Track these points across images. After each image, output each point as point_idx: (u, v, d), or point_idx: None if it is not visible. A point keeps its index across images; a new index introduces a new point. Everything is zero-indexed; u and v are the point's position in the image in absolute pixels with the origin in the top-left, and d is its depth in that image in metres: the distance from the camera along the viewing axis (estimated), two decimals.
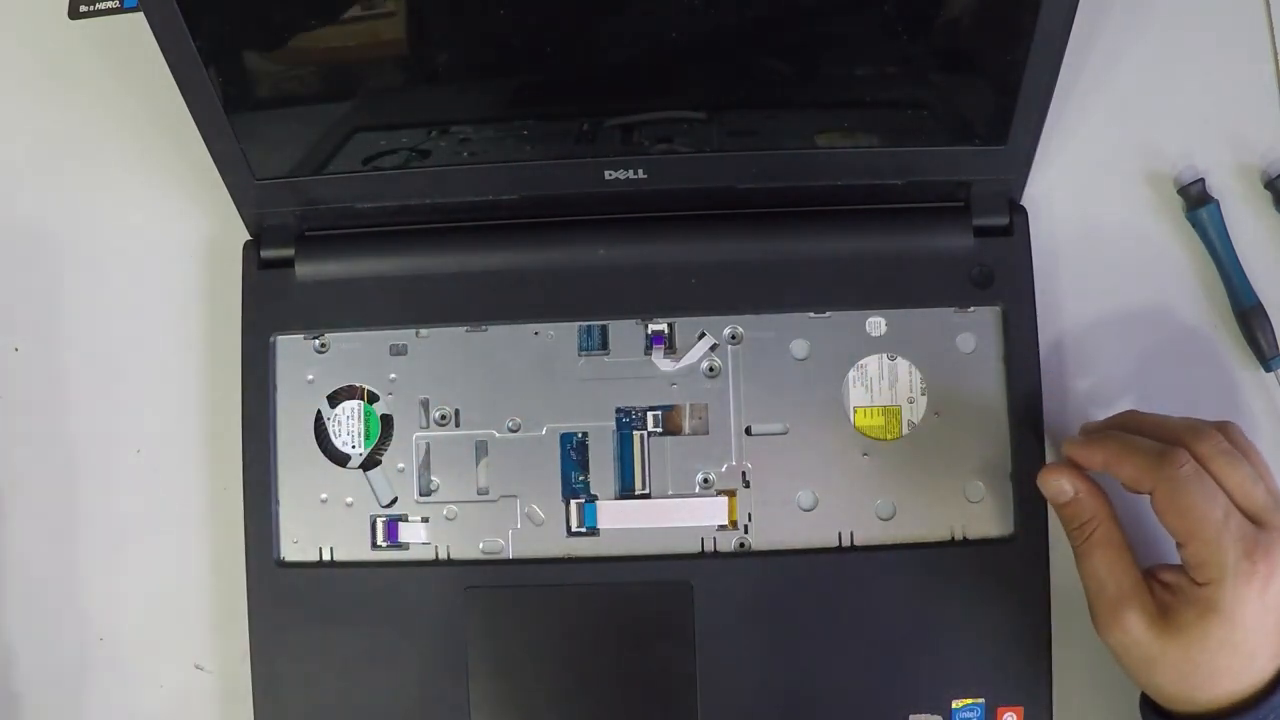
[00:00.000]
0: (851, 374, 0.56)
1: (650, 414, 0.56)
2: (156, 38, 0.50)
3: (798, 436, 0.56)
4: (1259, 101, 0.59)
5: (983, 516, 0.55)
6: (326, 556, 0.56)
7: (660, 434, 0.56)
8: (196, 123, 0.52)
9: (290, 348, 0.57)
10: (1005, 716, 0.55)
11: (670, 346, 0.56)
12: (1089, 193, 0.59)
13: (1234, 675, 0.48)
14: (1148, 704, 0.51)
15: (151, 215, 0.60)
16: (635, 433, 0.56)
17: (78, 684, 0.58)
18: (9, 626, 0.58)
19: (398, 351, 0.57)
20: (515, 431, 0.56)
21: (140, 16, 0.50)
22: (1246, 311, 0.56)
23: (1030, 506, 0.55)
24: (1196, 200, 0.57)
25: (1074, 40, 0.58)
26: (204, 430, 0.59)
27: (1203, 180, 0.57)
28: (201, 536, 0.58)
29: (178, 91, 0.52)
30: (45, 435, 0.59)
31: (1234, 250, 0.57)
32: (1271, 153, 0.58)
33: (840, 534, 0.55)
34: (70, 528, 0.59)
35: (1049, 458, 0.55)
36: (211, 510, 0.58)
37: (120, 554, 0.59)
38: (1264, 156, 0.58)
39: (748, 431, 0.56)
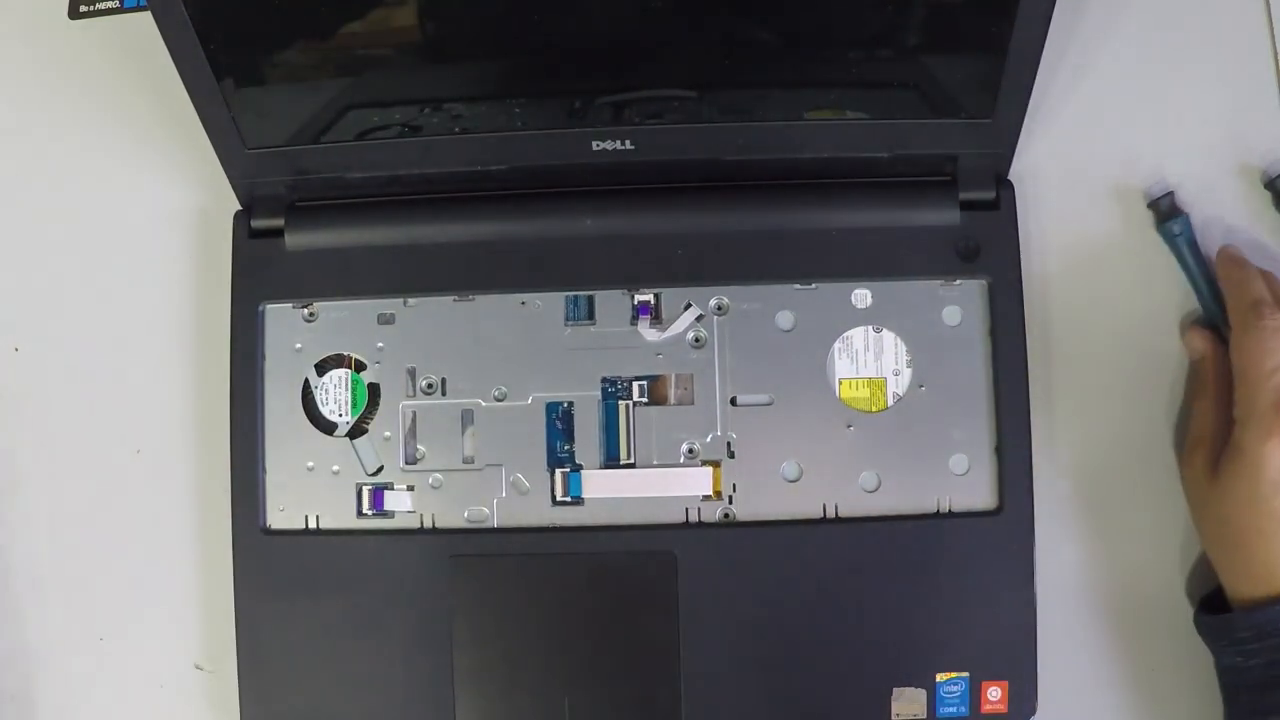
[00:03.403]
0: (837, 346, 0.56)
1: (636, 384, 0.56)
2: (150, 6, 0.50)
3: (783, 408, 0.56)
4: (1259, 101, 0.59)
5: (968, 489, 0.55)
6: (312, 524, 0.56)
7: (646, 404, 0.56)
8: (189, 91, 0.53)
9: (279, 316, 0.57)
10: (990, 691, 0.54)
11: (656, 317, 0.56)
12: (1088, 191, 0.59)
13: (1264, 537, 0.50)
14: (1202, 608, 0.54)
15: (144, 187, 0.61)
16: (621, 402, 0.56)
17: (78, 684, 0.58)
18: (10, 627, 0.58)
19: (385, 320, 0.57)
20: (501, 400, 0.56)
21: (140, 16, 0.50)
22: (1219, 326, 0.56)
23: (1015, 480, 0.55)
24: (1166, 214, 0.57)
25: (1075, 40, 0.58)
26: (194, 402, 0.59)
27: (1172, 194, 0.57)
28: (200, 534, 0.58)
29: (174, 78, 0.52)
30: (42, 420, 0.60)
31: (1205, 264, 0.56)
32: (1271, 153, 0.58)
33: (825, 505, 0.55)
34: (70, 525, 0.59)
35: (1035, 431, 0.55)
36: (210, 500, 0.58)
37: (120, 553, 0.59)
38: (1264, 156, 0.58)
39: (733, 402, 0.56)
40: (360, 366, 0.57)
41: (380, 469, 0.56)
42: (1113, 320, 0.58)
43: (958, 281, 0.56)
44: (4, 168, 0.62)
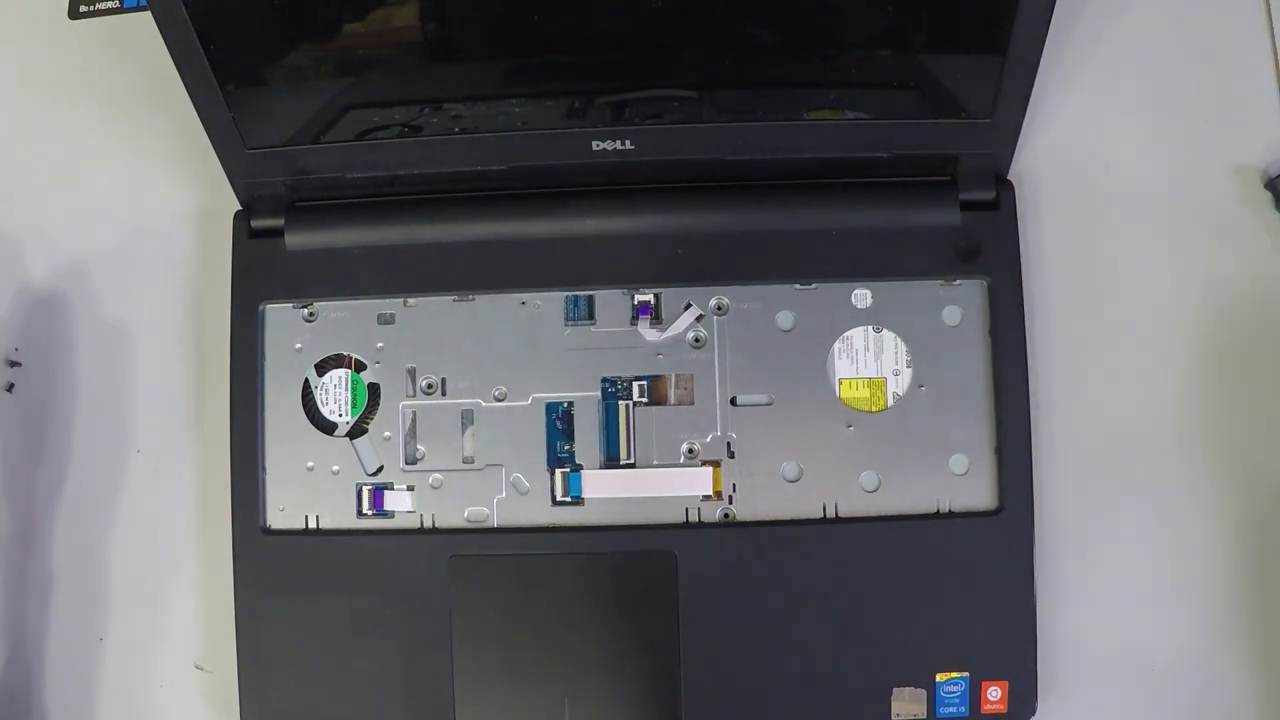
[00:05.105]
0: (837, 346, 0.56)
1: (636, 384, 0.56)
2: (150, 6, 0.50)
3: (783, 408, 0.56)
4: (1259, 101, 0.59)
5: (968, 490, 0.55)
6: (312, 524, 0.56)
7: (646, 404, 0.56)
8: (189, 91, 0.53)
9: (279, 316, 0.57)
10: (990, 690, 0.54)
11: (656, 317, 0.56)
12: (1088, 190, 0.59)
13: None
14: None
15: (143, 187, 0.61)
16: (621, 402, 0.56)
17: (78, 684, 0.58)
18: (11, 626, 0.58)
19: (385, 320, 0.57)
20: (501, 400, 0.56)
21: (140, 16, 0.50)
22: None
23: (1015, 480, 0.55)
24: None
25: (1076, 40, 0.58)
26: (194, 402, 0.59)
27: None
28: (200, 534, 0.59)
29: (173, 78, 0.52)
30: (42, 420, 0.60)
31: None
32: (1271, 153, 0.58)
33: (825, 505, 0.55)
34: (70, 525, 0.59)
35: (1034, 432, 0.55)
36: (210, 500, 0.58)
37: (120, 553, 0.59)
38: (1264, 156, 0.58)
39: (733, 402, 0.56)
40: (360, 366, 0.57)
41: (380, 469, 0.56)
42: (1113, 320, 0.58)
43: (958, 281, 0.56)
44: (3, 168, 0.62)
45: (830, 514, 0.55)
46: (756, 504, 0.55)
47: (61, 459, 0.59)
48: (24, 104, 0.62)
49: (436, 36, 0.53)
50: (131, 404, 0.59)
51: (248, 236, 0.57)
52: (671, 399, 0.56)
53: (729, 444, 0.56)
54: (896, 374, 0.56)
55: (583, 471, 0.56)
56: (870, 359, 0.56)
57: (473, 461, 0.56)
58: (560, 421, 0.56)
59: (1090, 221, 0.58)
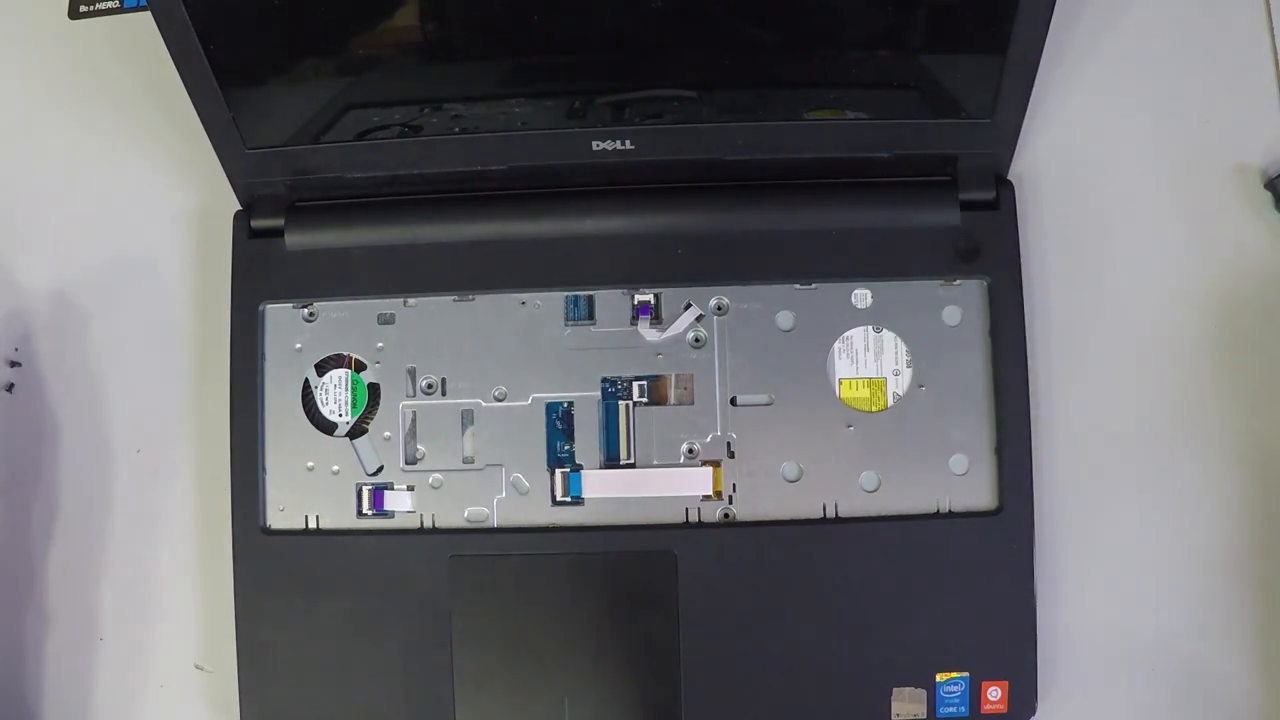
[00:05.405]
0: (837, 346, 0.56)
1: (636, 384, 0.56)
2: (150, 6, 0.50)
3: (783, 408, 0.56)
4: (1259, 101, 0.59)
5: (968, 490, 0.55)
6: (312, 524, 0.56)
7: (646, 404, 0.56)
8: (189, 91, 0.53)
9: (279, 316, 0.57)
10: (990, 690, 0.54)
11: (656, 317, 0.56)
12: (1088, 191, 0.59)
13: None
14: None
15: (144, 187, 0.61)
16: (621, 403, 0.56)
17: (78, 684, 0.58)
18: (10, 627, 0.58)
19: (385, 320, 0.57)
20: (501, 400, 0.56)
21: (140, 16, 0.50)
22: None
23: (1015, 480, 0.55)
24: None
25: (1076, 40, 0.58)
26: (194, 402, 0.59)
27: None
28: (200, 534, 0.59)
29: (174, 78, 0.52)
30: (42, 420, 0.60)
31: None
32: (1271, 153, 0.58)
33: (825, 506, 0.55)
34: (70, 525, 0.59)
35: (1034, 432, 0.55)
36: (210, 500, 0.58)
37: (120, 553, 0.59)
38: (1264, 156, 0.58)
39: (733, 402, 0.56)
40: (360, 366, 0.57)
41: (380, 469, 0.56)
42: (1113, 319, 0.58)
43: (958, 281, 0.56)
44: (3, 168, 0.62)
45: (830, 514, 0.55)
46: (756, 504, 0.55)
47: (61, 459, 0.59)
48: (24, 104, 0.62)
49: (436, 36, 0.53)
50: (131, 404, 0.59)
51: (248, 236, 0.57)
52: (671, 399, 0.56)
53: (729, 444, 0.56)
54: (896, 374, 0.56)
55: (583, 471, 0.56)
56: (870, 359, 0.56)
57: (473, 461, 0.56)
58: (560, 421, 0.56)
59: (1090, 221, 0.58)
